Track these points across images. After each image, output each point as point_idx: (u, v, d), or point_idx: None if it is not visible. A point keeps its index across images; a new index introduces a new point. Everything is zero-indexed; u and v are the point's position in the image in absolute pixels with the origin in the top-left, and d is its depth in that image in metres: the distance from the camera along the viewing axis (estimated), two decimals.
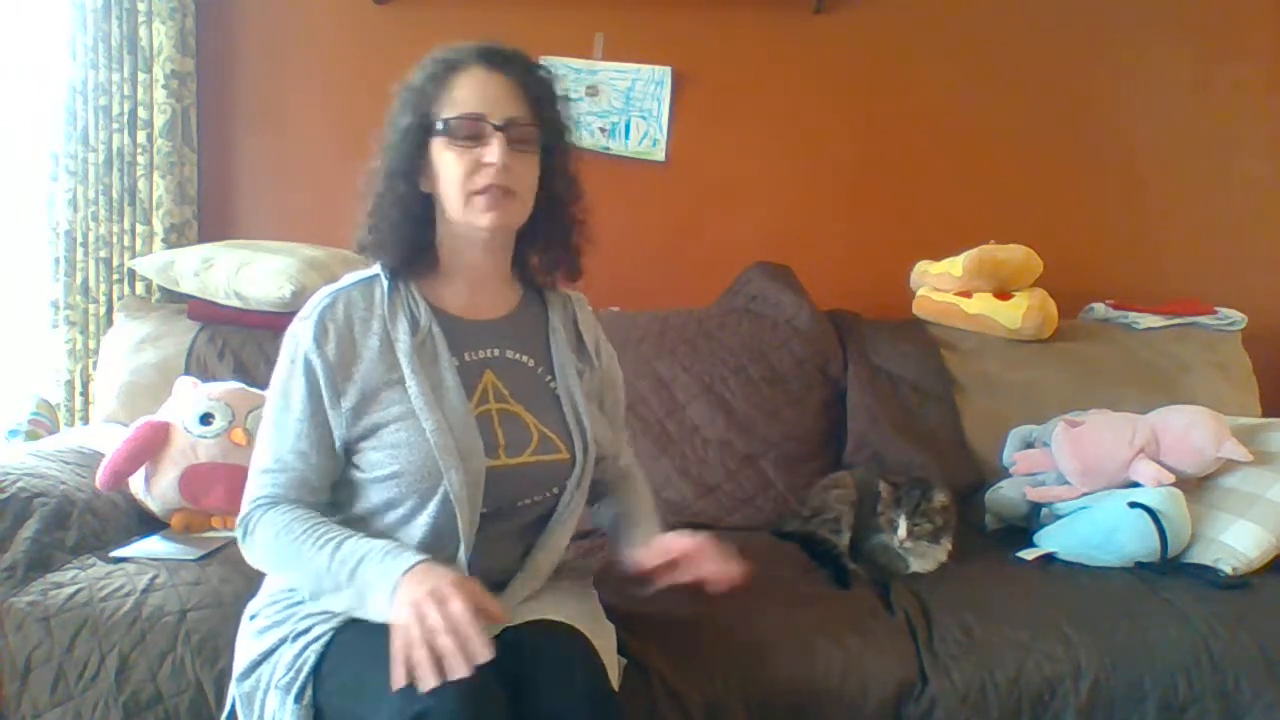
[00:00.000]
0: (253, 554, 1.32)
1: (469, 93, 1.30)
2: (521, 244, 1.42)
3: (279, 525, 1.26)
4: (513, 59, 1.32)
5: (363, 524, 1.32)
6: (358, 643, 1.21)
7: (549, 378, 1.42)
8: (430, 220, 1.36)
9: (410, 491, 1.29)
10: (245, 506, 1.32)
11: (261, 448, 1.33)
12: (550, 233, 1.41)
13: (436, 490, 1.28)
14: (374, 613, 1.16)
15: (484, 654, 1.07)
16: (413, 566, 1.15)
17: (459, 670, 1.06)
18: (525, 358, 1.41)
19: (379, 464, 1.30)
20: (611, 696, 1.19)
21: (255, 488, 1.32)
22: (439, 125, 1.30)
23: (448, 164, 1.30)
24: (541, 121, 1.32)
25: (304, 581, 1.26)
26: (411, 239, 1.35)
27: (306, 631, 1.25)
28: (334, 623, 1.24)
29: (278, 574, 1.32)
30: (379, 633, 1.21)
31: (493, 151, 1.27)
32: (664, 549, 1.35)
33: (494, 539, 1.32)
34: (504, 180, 1.28)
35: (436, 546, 1.29)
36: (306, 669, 1.21)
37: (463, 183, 1.29)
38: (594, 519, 1.58)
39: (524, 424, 1.36)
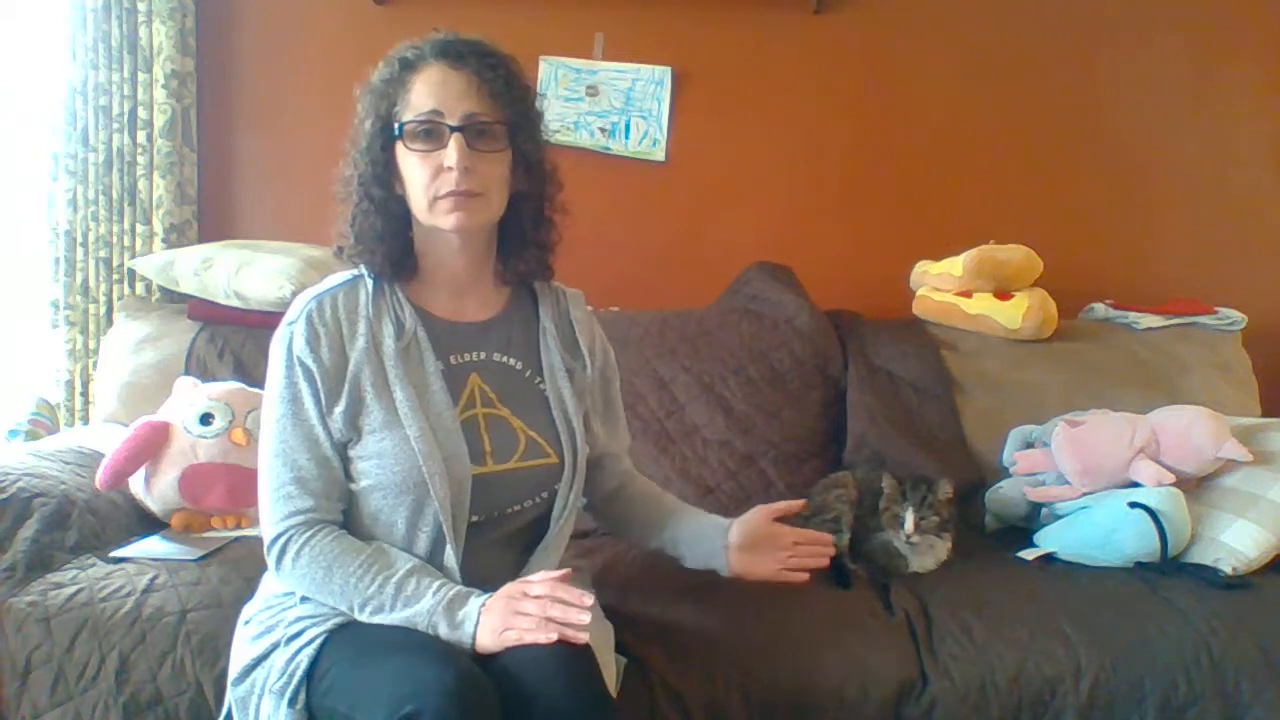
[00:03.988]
0: (290, 582, 1.29)
1: (425, 92, 1.27)
2: (503, 242, 1.40)
3: (324, 562, 1.25)
4: (470, 52, 1.28)
5: (370, 541, 1.30)
6: (350, 646, 1.21)
7: (538, 380, 1.40)
8: (410, 222, 1.34)
9: (399, 502, 1.28)
10: (273, 528, 1.28)
11: (273, 462, 1.29)
12: (521, 229, 1.38)
13: (426, 499, 1.27)
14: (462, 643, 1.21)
15: (587, 599, 1.18)
16: (481, 607, 1.21)
17: (583, 619, 1.16)
18: (513, 360, 1.39)
19: (365, 473, 1.29)
20: (606, 697, 1.19)
21: (280, 507, 1.28)
22: (396, 129, 1.27)
23: (410, 168, 1.28)
24: (504, 117, 1.28)
25: (357, 615, 1.26)
26: (396, 243, 1.33)
27: (299, 635, 1.25)
28: (327, 626, 1.24)
29: (322, 600, 1.29)
30: (371, 635, 1.22)
31: (451, 155, 1.24)
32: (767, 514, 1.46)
33: (486, 548, 1.30)
34: (466, 184, 1.25)
35: (438, 560, 1.29)
36: (299, 673, 1.21)
37: (426, 188, 1.27)
38: (641, 543, 1.57)
39: (511, 428, 1.34)
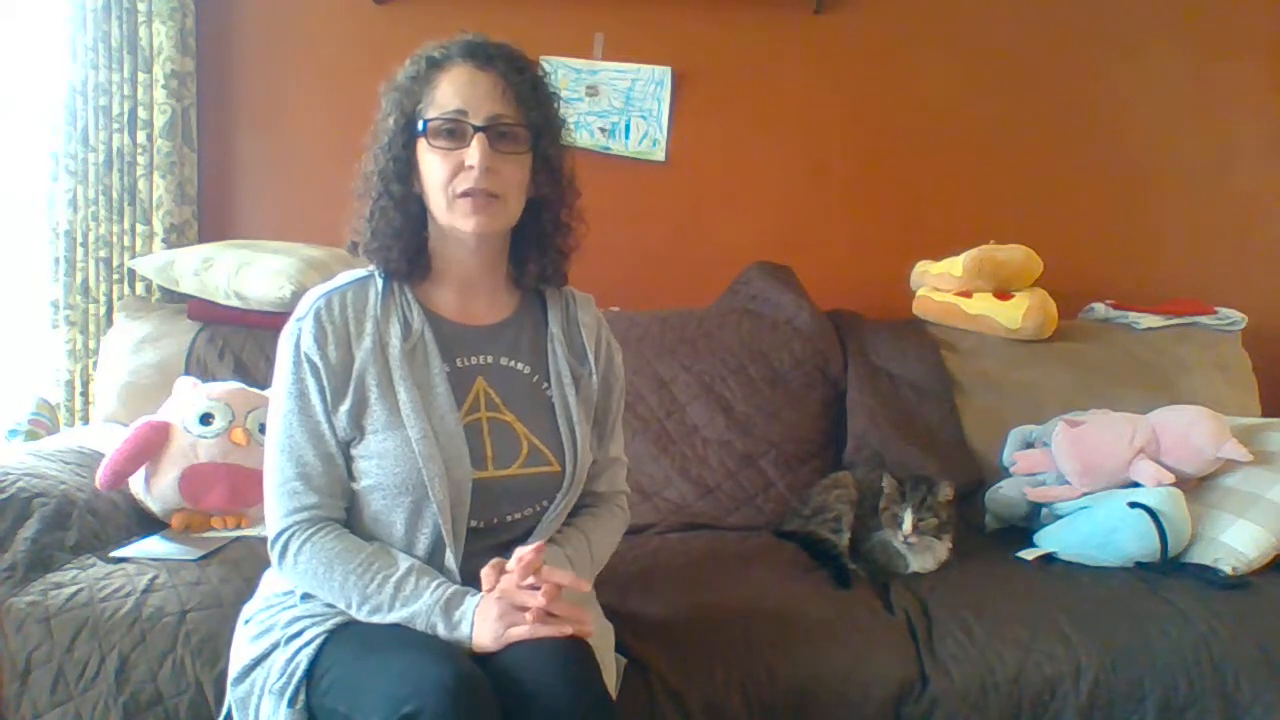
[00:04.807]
0: (292, 578, 1.29)
1: (451, 91, 1.27)
2: (516, 246, 1.40)
3: (325, 559, 1.25)
4: (498, 55, 1.28)
5: (371, 542, 1.30)
6: (350, 645, 1.21)
7: (545, 385, 1.39)
8: (426, 221, 1.34)
9: (398, 504, 1.28)
10: (277, 524, 1.28)
11: (279, 458, 1.29)
12: (537, 235, 1.38)
13: (425, 502, 1.27)
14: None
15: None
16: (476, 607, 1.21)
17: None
18: (520, 364, 1.38)
19: (366, 473, 1.29)
20: (605, 697, 1.18)
21: (285, 503, 1.28)
22: (420, 126, 1.28)
23: (431, 166, 1.28)
24: (528, 120, 1.29)
25: (356, 613, 1.26)
26: (412, 241, 1.33)
27: (299, 635, 1.25)
28: (326, 626, 1.24)
29: (322, 597, 1.30)
30: (370, 635, 1.22)
31: (473, 153, 1.25)
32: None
33: (486, 553, 1.30)
34: (486, 184, 1.26)
35: (438, 563, 1.29)
36: (299, 673, 1.21)
37: (445, 185, 1.27)
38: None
39: (514, 434, 1.34)
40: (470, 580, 1.27)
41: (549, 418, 1.37)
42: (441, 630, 1.21)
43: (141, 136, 2.44)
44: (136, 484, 1.88)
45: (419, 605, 1.22)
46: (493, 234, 1.32)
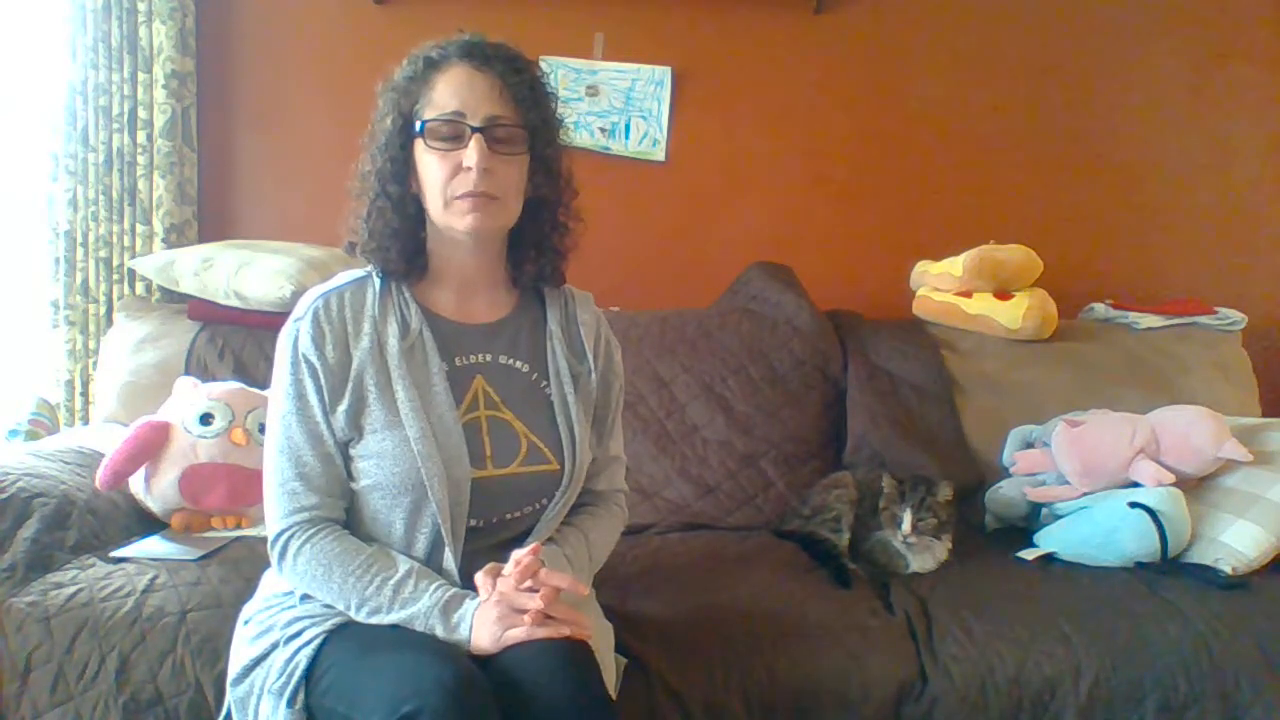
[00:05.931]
0: (291, 580, 1.30)
1: (449, 92, 1.26)
2: (514, 246, 1.40)
3: (325, 560, 1.25)
4: (496, 56, 1.28)
5: (370, 543, 1.31)
6: (349, 645, 1.21)
7: (544, 383, 1.39)
8: (424, 221, 1.34)
9: (397, 503, 1.28)
10: (276, 525, 1.28)
11: (278, 458, 1.29)
12: (535, 235, 1.38)
13: (424, 501, 1.27)
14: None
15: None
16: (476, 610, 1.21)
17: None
18: (519, 363, 1.38)
19: (365, 473, 1.29)
20: (605, 697, 1.18)
21: (284, 504, 1.28)
22: (418, 127, 1.27)
23: (428, 167, 1.28)
24: (526, 121, 1.29)
25: (355, 615, 1.26)
26: (410, 242, 1.33)
27: (298, 635, 1.25)
28: (325, 626, 1.24)
29: (321, 598, 1.30)
30: (370, 635, 1.22)
31: (470, 155, 1.24)
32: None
33: (486, 552, 1.30)
34: (484, 185, 1.25)
35: (437, 563, 1.29)
36: (298, 673, 1.21)
37: (443, 187, 1.27)
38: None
39: (513, 432, 1.34)
40: (469, 579, 1.27)
41: (548, 416, 1.37)
42: (440, 633, 1.21)
43: (141, 136, 2.44)
44: (136, 484, 1.88)
45: (417, 608, 1.22)
46: (490, 234, 1.32)
